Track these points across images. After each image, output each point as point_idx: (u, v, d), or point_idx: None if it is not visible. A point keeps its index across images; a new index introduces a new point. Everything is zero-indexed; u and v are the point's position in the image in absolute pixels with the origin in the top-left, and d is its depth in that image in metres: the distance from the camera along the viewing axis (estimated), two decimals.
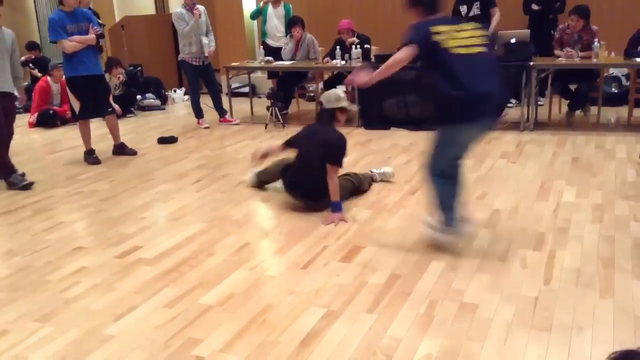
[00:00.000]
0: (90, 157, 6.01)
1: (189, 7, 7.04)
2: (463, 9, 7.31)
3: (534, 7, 7.39)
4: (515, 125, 6.57)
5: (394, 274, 3.27)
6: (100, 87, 5.96)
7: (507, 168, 5.14)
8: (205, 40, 7.17)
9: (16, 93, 5.35)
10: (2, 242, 4.06)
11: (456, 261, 3.39)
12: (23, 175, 5.36)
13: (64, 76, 5.99)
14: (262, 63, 7.71)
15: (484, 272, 3.24)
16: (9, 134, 5.30)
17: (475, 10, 7.23)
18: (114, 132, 6.24)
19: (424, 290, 3.07)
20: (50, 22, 5.59)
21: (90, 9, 9.21)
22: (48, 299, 3.20)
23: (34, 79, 8.82)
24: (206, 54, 7.20)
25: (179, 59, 7.36)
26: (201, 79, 7.41)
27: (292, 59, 7.79)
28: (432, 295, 3.02)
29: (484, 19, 7.18)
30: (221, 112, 7.58)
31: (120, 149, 6.27)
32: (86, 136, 6.04)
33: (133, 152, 6.26)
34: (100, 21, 9.77)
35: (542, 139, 6.02)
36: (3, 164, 5.26)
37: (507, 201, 4.32)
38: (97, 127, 7.81)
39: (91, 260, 3.67)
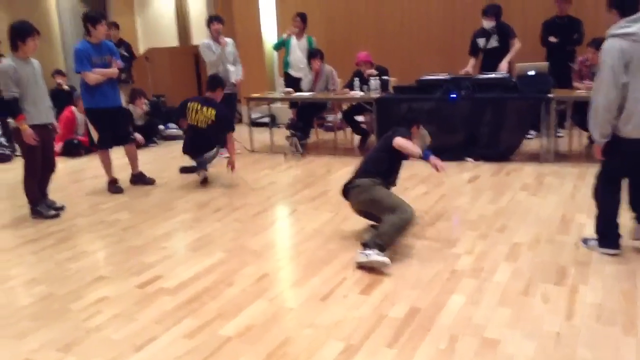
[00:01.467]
0: (113, 186, 6.10)
1: (215, 38, 7.23)
2: (481, 41, 7.36)
3: (552, 39, 7.42)
4: (534, 157, 6.55)
5: (414, 308, 3.26)
6: (119, 117, 6.09)
7: (527, 200, 5.12)
8: (231, 68, 7.33)
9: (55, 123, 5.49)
10: (26, 270, 4.12)
11: (476, 295, 3.37)
12: (58, 208, 5.46)
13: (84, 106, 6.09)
14: (282, 94, 7.81)
15: (504, 307, 3.22)
16: (52, 166, 5.42)
17: (494, 42, 7.28)
18: (133, 162, 6.35)
19: (445, 325, 3.06)
20: (77, 53, 5.73)
21: (122, 40, 9.47)
22: (70, 328, 3.24)
23: (60, 109, 9.00)
24: (232, 80, 7.34)
25: None
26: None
27: (311, 90, 7.88)
28: (452, 330, 3.00)
29: (502, 51, 7.24)
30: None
31: (138, 178, 6.36)
32: (107, 166, 6.13)
33: (151, 181, 6.35)
34: (126, 53, 10.02)
35: (563, 171, 6.00)
36: (41, 195, 5.36)
37: (528, 234, 4.30)
38: (121, 155, 7.93)
39: (113, 289, 3.71)
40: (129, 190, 6.16)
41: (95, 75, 5.74)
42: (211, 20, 7.36)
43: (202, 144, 6.09)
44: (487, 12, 7.20)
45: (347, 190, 4.35)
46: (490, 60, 7.30)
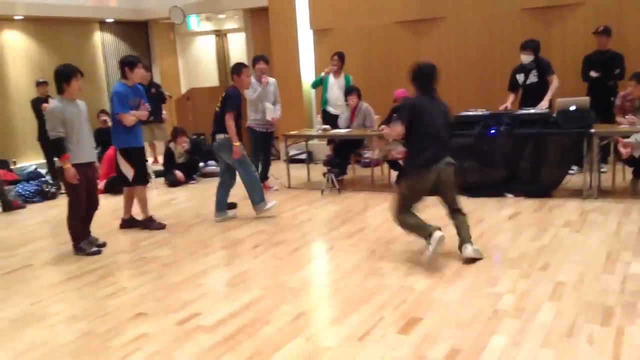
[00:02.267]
0: (153, 222, 6.18)
1: (258, 77, 7.42)
2: (520, 77, 7.31)
3: (593, 74, 7.32)
4: (577, 193, 6.41)
5: (454, 349, 3.18)
6: (144, 157, 6.40)
7: (570, 237, 4.99)
8: (269, 106, 7.46)
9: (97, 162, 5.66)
10: (68, 307, 4.19)
11: (519, 336, 3.28)
12: (100, 245, 5.56)
13: (115, 146, 6.20)
14: (319, 131, 7.88)
15: (548, 349, 3.11)
16: (95, 203, 5.55)
17: (533, 78, 7.22)
18: (142, 205, 6.28)
19: None
20: (119, 95, 5.94)
21: (152, 81, 9.76)
22: None
23: (104, 147, 9.26)
24: (268, 118, 7.45)
25: (247, 125, 7.64)
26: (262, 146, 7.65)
27: (348, 127, 7.93)
28: None
29: (541, 86, 7.17)
30: (264, 177, 7.78)
31: (131, 222, 6.35)
32: (130, 203, 6.29)
33: (142, 224, 6.31)
34: (166, 93, 10.28)
35: (607, 207, 5.84)
36: (84, 232, 5.49)
37: (572, 273, 4.18)
38: (162, 193, 8.08)
39: (152, 326, 3.74)
40: (170, 226, 6.25)
41: (132, 118, 5.96)
42: (257, 60, 7.56)
43: (214, 127, 6.38)
44: (525, 47, 7.16)
45: (434, 164, 4.53)
46: (529, 96, 7.24)
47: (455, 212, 4.74)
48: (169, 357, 3.30)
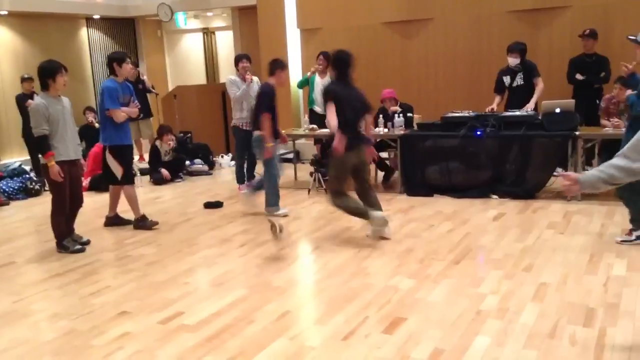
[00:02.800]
0: (146, 221, 6.12)
1: (242, 74, 7.38)
2: (506, 79, 7.35)
3: (579, 76, 7.38)
4: (562, 195, 6.45)
5: (438, 349, 3.20)
6: (132, 156, 6.34)
7: (554, 239, 5.03)
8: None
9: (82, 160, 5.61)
10: (50, 305, 4.15)
11: (502, 337, 3.29)
12: (84, 243, 5.52)
13: (101, 142, 6.15)
14: (307, 130, 7.87)
15: (531, 349, 3.13)
16: (79, 201, 5.50)
17: (519, 80, 7.26)
18: (132, 203, 6.19)
19: None
20: (109, 91, 5.83)
21: (139, 77, 9.72)
22: None
23: (89, 144, 9.19)
24: None
25: (232, 124, 7.61)
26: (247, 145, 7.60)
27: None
28: None
29: (527, 89, 7.21)
30: (250, 176, 7.75)
31: (117, 219, 6.31)
32: (116, 201, 6.22)
33: (128, 222, 6.26)
34: (154, 89, 10.24)
35: (591, 210, 5.89)
36: (67, 230, 5.44)
37: (555, 274, 4.21)
38: (147, 191, 8.04)
39: (135, 325, 3.72)
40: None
41: (122, 114, 5.89)
42: (240, 58, 7.53)
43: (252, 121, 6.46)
44: (512, 50, 7.20)
45: (355, 148, 5.12)
46: (516, 98, 7.28)
47: (369, 190, 5.37)
48: (152, 356, 3.28)
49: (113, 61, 5.96)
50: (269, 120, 6.09)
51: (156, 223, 6.13)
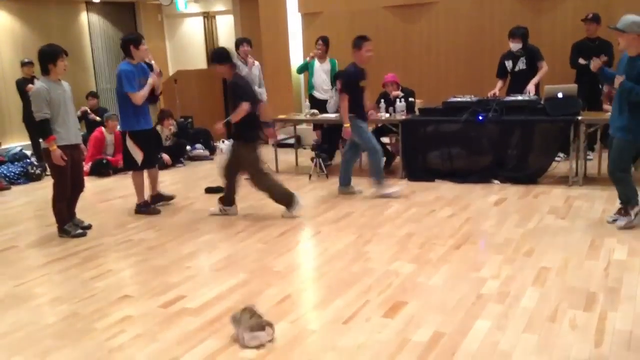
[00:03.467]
0: (149, 207, 6.13)
1: (244, 58, 7.33)
2: (508, 64, 7.30)
3: (581, 61, 7.33)
4: (563, 180, 6.45)
5: (438, 332, 3.20)
6: (154, 139, 6.29)
7: (555, 224, 5.02)
8: (257, 89, 7.40)
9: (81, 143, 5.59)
10: (51, 289, 4.17)
11: (502, 320, 3.30)
12: (85, 227, 5.53)
13: (120, 128, 6.15)
14: (308, 115, 7.85)
15: (531, 333, 3.14)
16: (81, 185, 5.49)
17: (521, 65, 7.21)
18: (154, 183, 6.34)
19: (469, 351, 3.00)
20: (126, 74, 5.73)
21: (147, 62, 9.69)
22: (93, 347, 3.25)
23: (90, 129, 9.18)
24: None
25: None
26: None
27: (337, 112, 7.90)
28: (477, 356, 2.94)
29: (530, 73, 7.16)
30: None
31: (158, 198, 6.37)
32: (141, 187, 6.15)
33: (170, 197, 6.43)
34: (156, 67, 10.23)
35: (592, 195, 5.89)
36: (68, 215, 5.44)
37: (556, 259, 4.21)
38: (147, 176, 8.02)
39: (136, 309, 3.73)
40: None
41: (141, 95, 5.80)
42: (240, 42, 7.49)
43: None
44: (513, 35, 7.14)
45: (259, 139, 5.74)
46: (518, 82, 7.23)
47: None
48: (153, 340, 3.29)
49: (130, 43, 5.80)
50: (345, 100, 6.09)
51: (158, 212, 6.13)
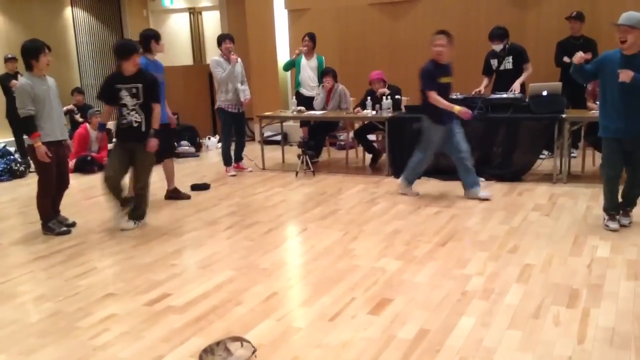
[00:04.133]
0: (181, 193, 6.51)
1: (226, 55, 7.29)
2: (494, 62, 7.34)
3: (566, 59, 7.37)
4: (547, 178, 6.50)
5: (423, 329, 3.22)
6: (166, 135, 6.22)
7: (539, 221, 5.07)
8: (241, 87, 7.37)
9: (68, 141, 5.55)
10: (35, 287, 4.13)
11: (487, 317, 3.32)
12: (69, 225, 5.50)
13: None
14: (295, 112, 7.85)
15: (515, 330, 3.17)
16: (66, 182, 5.45)
17: (507, 64, 7.25)
18: (169, 178, 6.53)
19: (454, 347, 3.01)
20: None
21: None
22: (77, 345, 3.23)
23: (74, 125, 9.11)
24: (242, 100, 7.37)
25: (216, 106, 7.55)
26: (233, 126, 7.57)
27: (323, 109, 7.91)
28: (462, 353, 2.96)
29: (515, 73, 7.21)
30: (238, 157, 7.72)
31: (175, 194, 6.47)
32: (168, 176, 6.53)
33: (187, 197, 6.49)
34: None
35: (576, 192, 5.94)
36: (53, 212, 5.40)
37: (540, 255, 4.25)
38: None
39: (121, 307, 3.71)
40: None
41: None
42: (223, 38, 7.42)
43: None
44: (493, 37, 7.17)
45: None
46: (503, 81, 7.28)
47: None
48: (138, 338, 3.28)
49: (151, 38, 6.05)
50: (436, 94, 5.76)
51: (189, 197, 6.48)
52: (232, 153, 7.70)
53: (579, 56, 4.67)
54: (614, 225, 4.73)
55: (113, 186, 5.28)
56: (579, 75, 4.79)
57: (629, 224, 4.81)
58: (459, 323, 3.27)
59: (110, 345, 3.21)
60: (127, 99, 5.26)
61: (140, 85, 5.23)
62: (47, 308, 3.74)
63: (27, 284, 4.19)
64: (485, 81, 7.45)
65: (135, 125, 5.28)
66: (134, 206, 5.46)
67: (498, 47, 7.19)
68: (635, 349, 2.92)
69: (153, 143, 5.30)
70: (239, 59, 7.45)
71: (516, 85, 7.07)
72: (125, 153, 5.34)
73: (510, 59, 7.23)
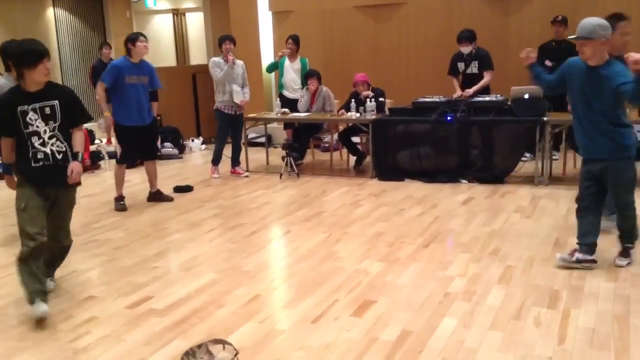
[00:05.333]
0: (118, 203, 6.23)
1: (225, 56, 7.26)
2: (460, 65, 7.36)
3: (548, 62, 7.46)
4: (529, 180, 6.56)
5: (406, 330, 3.23)
6: (144, 137, 6.26)
7: (521, 223, 5.11)
8: (237, 88, 7.32)
9: None
10: (15, 289, 4.07)
11: (469, 318, 3.34)
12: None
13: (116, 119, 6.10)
14: (279, 114, 7.84)
15: (497, 330, 3.19)
16: None
17: (474, 69, 7.29)
18: (151, 180, 6.48)
19: (436, 348, 3.03)
20: (110, 66, 6.05)
21: (112, 59, 9.65)
22: (58, 348, 3.20)
23: None
24: (237, 101, 7.32)
25: (214, 107, 7.49)
26: (230, 128, 7.52)
27: (307, 111, 7.91)
28: (444, 354, 2.97)
29: (480, 77, 7.25)
30: (235, 162, 7.66)
31: (158, 196, 6.44)
32: (118, 180, 6.29)
33: (169, 199, 6.45)
34: None
35: (557, 194, 6.00)
36: None
37: (521, 257, 4.28)
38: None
39: (102, 310, 3.67)
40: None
41: (101, 91, 6.03)
42: (223, 39, 7.38)
43: None
44: (461, 39, 7.18)
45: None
46: (469, 84, 7.29)
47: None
48: (119, 341, 3.25)
49: (126, 42, 6.04)
50: None
51: (125, 208, 6.15)
52: (226, 156, 7.67)
53: (525, 54, 4.22)
54: (579, 256, 4.01)
55: (40, 250, 3.58)
56: (541, 85, 4.35)
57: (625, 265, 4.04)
58: (441, 324, 3.29)
59: (91, 349, 3.18)
60: (39, 124, 3.59)
61: (55, 103, 3.62)
62: (27, 311, 3.69)
63: (7, 286, 4.14)
64: (456, 82, 7.46)
65: (59, 157, 3.65)
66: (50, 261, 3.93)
67: (466, 50, 7.22)
68: (615, 349, 2.95)
69: (77, 168, 3.63)
70: (241, 62, 7.42)
71: (470, 91, 7.11)
72: (46, 202, 3.68)
73: (476, 63, 7.27)
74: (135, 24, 12.74)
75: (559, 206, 5.56)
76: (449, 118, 6.66)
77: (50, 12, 11.44)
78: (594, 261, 4.02)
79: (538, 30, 7.98)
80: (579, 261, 4.00)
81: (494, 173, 6.61)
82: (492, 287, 3.77)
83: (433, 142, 6.82)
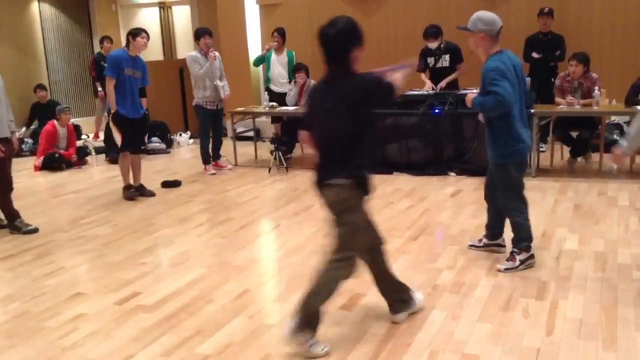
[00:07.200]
0: (128, 191, 6.30)
1: (204, 51, 7.17)
2: (430, 60, 7.34)
3: (535, 55, 7.49)
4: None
5: (395, 323, 3.24)
6: (138, 129, 6.39)
7: None
8: (219, 83, 7.29)
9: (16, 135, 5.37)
10: (2, 286, 4.05)
11: (457, 310, 3.36)
12: (4, 226, 5.36)
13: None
14: (267, 108, 7.81)
15: (485, 322, 3.20)
16: (8, 180, 5.27)
17: (444, 62, 7.28)
18: (136, 173, 6.43)
19: (425, 341, 3.04)
20: (110, 59, 6.10)
21: (101, 54, 9.60)
22: (45, 346, 3.18)
23: (41, 123, 8.93)
24: (222, 97, 7.30)
25: (194, 103, 7.43)
26: (211, 123, 7.48)
27: (296, 105, 7.88)
28: (432, 346, 2.98)
29: (451, 71, 7.25)
30: (216, 156, 7.65)
31: (140, 190, 6.39)
32: (125, 170, 6.34)
33: (151, 194, 6.39)
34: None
35: (544, 186, 6.03)
36: (8, 211, 5.27)
37: (509, 249, 4.28)
38: (103, 170, 7.89)
39: (90, 306, 3.65)
40: (110, 204, 6.10)
41: (110, 87, 6.00)
42: (202, 33, 7.25)
43: None
44: (427, 35, 7.15)
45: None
46: (438, 79, 7.28)
47: None
48: (107, 337, 3.23)
49: (129, 35, 6.09)
50: None
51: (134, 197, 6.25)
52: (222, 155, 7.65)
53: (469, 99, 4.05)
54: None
55: None
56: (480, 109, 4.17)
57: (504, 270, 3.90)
58: (430, 317, 3.30)
59: (79, 345, 3.16)
60: None
61: None
62: (14, 308, 3.67)
63: None
64: (424, 77, 7.45)
65: None
66: None
67: (433, 45, 7.21)
68: (602, 340, 2.97)
69: None
70: (218, 54, 7.37)
71: (442, 83, 7.12)
72: None
73: (447, 57, 7.26)
74: (121, 17, 12.62)
75: (546, 197, 5.59)
76: (437, 111, 6.67)
77: (35, 6, 11.30)
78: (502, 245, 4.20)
79: (525, 23, 7.99)
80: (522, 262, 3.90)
81: (481, 165, 6.61)
82: (481, 279, 3.78)
83: (421, 135, 6.82)
